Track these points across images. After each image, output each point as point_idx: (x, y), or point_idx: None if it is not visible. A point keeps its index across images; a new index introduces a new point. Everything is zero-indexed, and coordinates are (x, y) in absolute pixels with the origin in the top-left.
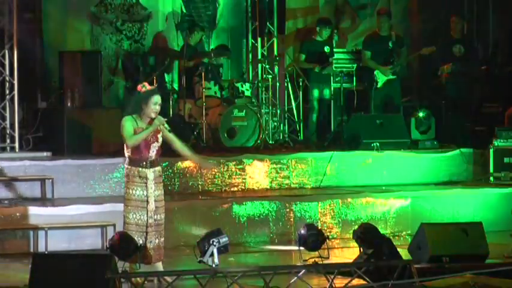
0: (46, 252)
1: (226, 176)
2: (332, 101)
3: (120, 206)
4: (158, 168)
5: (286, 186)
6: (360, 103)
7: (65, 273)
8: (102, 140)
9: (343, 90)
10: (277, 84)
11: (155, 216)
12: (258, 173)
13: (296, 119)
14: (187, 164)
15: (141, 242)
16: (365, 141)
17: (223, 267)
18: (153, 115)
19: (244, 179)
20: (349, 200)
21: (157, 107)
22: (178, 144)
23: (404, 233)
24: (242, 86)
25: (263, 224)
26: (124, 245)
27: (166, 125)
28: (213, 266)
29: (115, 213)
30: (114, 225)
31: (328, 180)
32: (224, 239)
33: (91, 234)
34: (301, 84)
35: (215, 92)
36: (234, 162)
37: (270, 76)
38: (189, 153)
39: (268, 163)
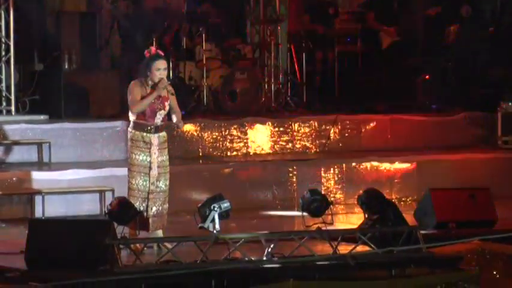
0: (43, 218)
1: (228, 140)
2: (336, 63)
3: (119, 171)
4: (163, 133)
5: (289, 150)
6: (364, 64)
7: (62, 239)
8: (100, 103)
9: (347, 52)
10: (280, 46)
11: (157, 183)
12: (260, 136)
13: (299, 82)
14: (187, 127)
15: (141, 208)
16: (369, 104)
17: (224, 233)
18: (156, 80)
19: (246, 143)
20: (354, 164)
21: (161, 73)
22: (174, 108)
23: (410, 198)
24: (244, 48)
25: (265, 189)
26: (123, 211)
27: (170, 88)
28: (214, 232)
29: (114, 178)
30: (112, 191)
31: (332, 144)
32: (225, 204)
33: (89, 199)
34: (304, 46)
35: (216, 54)
36: (235, 126)
37: (273, 38)
38: (175, 120)
39: (270, 126)
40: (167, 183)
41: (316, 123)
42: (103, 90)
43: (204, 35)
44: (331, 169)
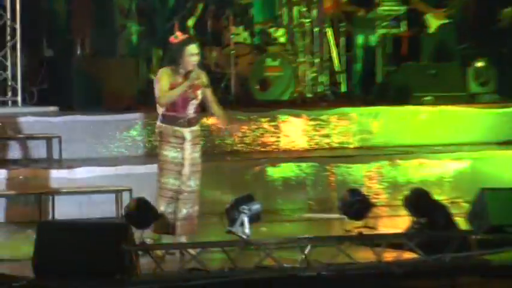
0: (53, 221)
1: (258, 134)
2: (378, 49)
3: (136, 169)
4: (196, 127)
5: (327, 146)
6: (409, 51)
7: (75, 245)
8: (116, 93)
9: (391, 36)
10: (316, 29)
11: (189, 182)
12: (294, 130)
13: (337, 69)
14: (213, 120)
15: (169, 209)
16: (416, 95)
17: (254, 238)
18: (190, 67)
19: (279, 137)
20: (399, 161)
21: (194, 58)
22: (212, 102)
23: (461, 199)
24: (276, 32)
25: (300, 189)
26: (142, 213)
27: (204, 79)
28: (244, 236)
29: (131, 177)
30: (130, 190)
31: (374, 139)
32: (256, 206)
33: (104, 200)
34: (343, 29)
35: (245, 39)
36: (266, 119)
37: (308, 20)
38: (221, 113)
39: (305, 119)
40: (198, 182)
41: (356, 116)
42: (119, 79)
43: (231, 17)
44: (374, 167)
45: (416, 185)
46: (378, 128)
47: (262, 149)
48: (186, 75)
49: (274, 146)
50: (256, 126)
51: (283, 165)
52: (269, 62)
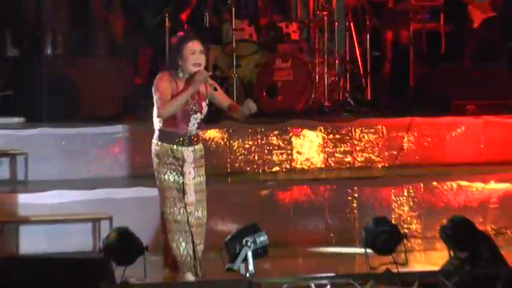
0: (16, 256)
1: (266, 151)
2: (411, 47)
3: (118, 193)
4: (199, 146)
5: (348, 166)
6: (448, 49)
7: (42, 284)
8: (95, 101)
9: (426, 32)
10: (336, 23)
11: (197, 213)
12: (309, 146)
13: (362, 72)
14: (211, 134)
15: (187, 246)
16: (456, 103)
17: (260, 277)
18: (193, 69)
19: (290, 155)
20: (435, 183)
21: (197, 57)
22: (228, 103)
23: (509, 229)
24: (287, 27)
25: (315, 217)
26: (124, 247)
27: (211, 81)
28: (247, 275)
29: (112, 203)
30: (110, 219)
31: (406, 156)
32: (262, 238)
33: (79, 230)
34: (368, 24)
35: (250, 35)
36: (276, 132)
37: (326, 13)
38: (241, 108)
39: (323, 133)
40: (205, 212)
41: (384, 129)
42: (99, 83)
43: (233, 9)
44: (405, 190)
45: (456, 213)
46: (410, 144)
47: (270, 169)
48: (189, 80)
49: (284, 165)
50: (263, 142)
51: (296, 188)
52: (279, 63)
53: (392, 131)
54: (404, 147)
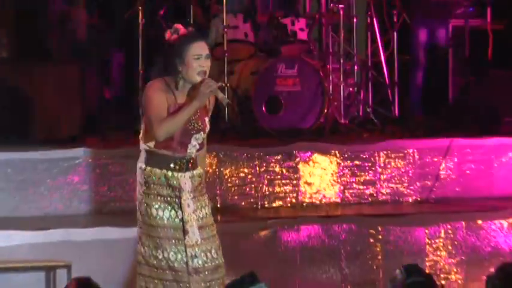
0: None
1: (265, 181)
2: (450, 49)
3: (79, 234)
4: (198, 171)
5: (370, 199)
6: (497, 52)
7: None
8: (50, 117)
9: (470, 31)
10: (355, 19)
11: (204, 257)
12: (320, 175)
13: (387, 81)
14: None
15: None
16: (507, 120)
17: None
18: (197, 78)
19: (297, 186)
20: (480, 222)
21: (202, 63)
22: None
23: None
24: (293, 24)
25: (329, 265)
26: None
27: (221, 94)
28: None
29: (71, 246)
30: (68, 267)
31: (443, 188)
32: None
33: (30, 281)
34: (396, 19)
35: (246, 34)
36: (278, 157)
37: (343, 6)
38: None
39: (338, 158)
40: (220, 252)
41: (416, 153)
42: (55, 95)
43: (224, 2)
44: (442, 231)
45: (507, 259)
46: (449, 172)
47: (270, 204)
48: (192, 92)
49: (289, 199)
50: (262, 169)
51: (304, 228)
52: (282, 70)
53: (426, 155)
54: (442, 176)
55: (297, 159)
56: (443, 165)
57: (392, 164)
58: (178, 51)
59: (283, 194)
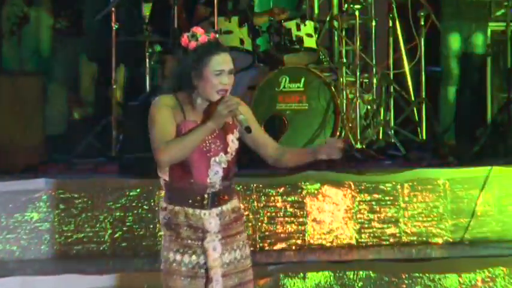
0: None
1: (265, 219)
2: (489, 59)
3: (39, 282)
4: (230, 205)
5: (393, 240)
6: None
7: None
8: (4, 142)
9: None
10: (373, 23)
11: None
12: (332, 211)
13: (412, 97)
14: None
15: None
16: None
17: None
18: (216, 96)
19: (303, 224)
20: None
21: (224, 79)
22: (267, 145)
23: None
24: (299, 28)
25: None
26: None
27: (242, 116)
28: None
29: None
30: None
31: (479, 225)
32: None
33: None
34: (424, 23)
35: (241, 41)
36: (280, 189)
37: (358, 7)
38: (294, 151)
39: (353, 191)
40: None
41: (447, 185)
42: (9, 114)
43: (215, 2)
44: (478, 278)
45: None
46: (487, 207)
47: (272, 247)
48: (208, 110)
49: (294, 241)
50: (261, 204)
51: (312, 275)
52: (286, 83)
53: (459, 188)
54: (478, 213)
55: (304, 192)
56: (480, 199)
57: (419, 197)
58: (196, 64)
59: (286, 235)
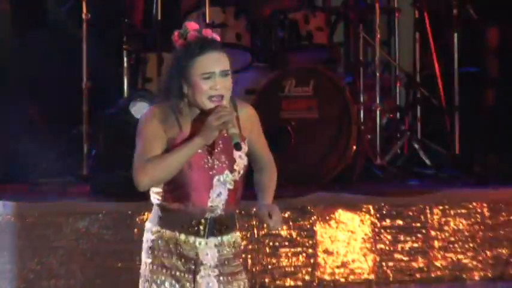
0: None
1: (268, 249)
2: None
3: None
4: (230, 236)
5: (419, 275)
6: None
7: None
8: None
9: None
10: (397, 15)
11: None
12: (347, 240)
13: (444, 104)
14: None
15: None
16: None
17: None
18: (208, 104)
19: (313, 256)
20: None
21: (218, 84)
22: (261, 158)
23: None
24: (307, 21)
25: None
26: None
27: (233, 130)
28: None
29: None
30: None
31: None
32: None
33: None
34: (456, 15)
35: (238, 35)
36: (285, 214)
37: None
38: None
39: (372, 216)
40: None
41: (485, 209)
42: None
43: None
44: None
45: None
46: None
47: (276, 282)
48: (199, 120)
49: (302, 275)
50: (262, 232)
51: None
52: (291, 87)
53: (500, 212)
54: None
55: (313, 218)
56: None
57: (452, 224)
58: (181, 67)
59: (292, 269)
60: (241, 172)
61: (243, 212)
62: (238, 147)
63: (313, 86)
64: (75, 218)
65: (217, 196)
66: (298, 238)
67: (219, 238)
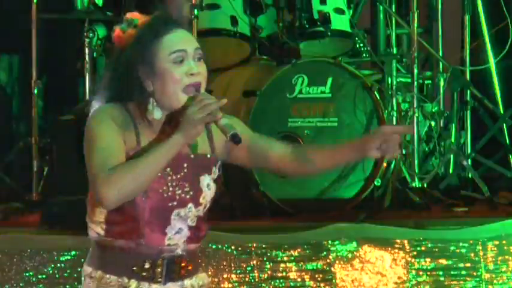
0: None
1: None
2: None
3: None
4: (195, 280)
5: None
6: None
7: None
8: None
9: None
10: (439, 16)
11: None
12: (375, 284)
13: (501, 109)
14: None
15: None
16: None
17: None
18: (181, 97)
19: None
20: None
21: (193, 65)
22: (272, 149)
23: None
24: (324, 1)
25: None
26: None
27: (225, 120)
28: None
29: None
30: None
31: None
32: None
33: None
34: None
35: (233, 19)
36: (296, 251)
37: None
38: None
39: (409, 254)
40: None
41: None
42: None
43: None
44: None
45: None
46: None
47: None
48: (173, 120)
49: None
50: (266, 274)
51: None
52: (303, 86)
53: None
54: None
55: (331, 256)
56: None
57: (511, 264)
58: (142, 55)
59: None
60: (208, 206)
61: (239, 248)
62: (237, 139)
63: (331, 84)
64: (22, 257)
65: (177, 233)
66: (312, 282)
67: (180, 283)
